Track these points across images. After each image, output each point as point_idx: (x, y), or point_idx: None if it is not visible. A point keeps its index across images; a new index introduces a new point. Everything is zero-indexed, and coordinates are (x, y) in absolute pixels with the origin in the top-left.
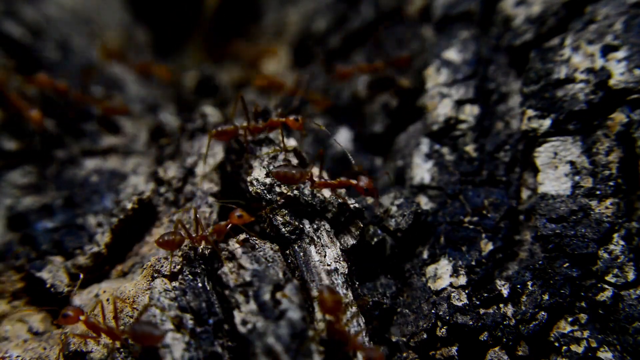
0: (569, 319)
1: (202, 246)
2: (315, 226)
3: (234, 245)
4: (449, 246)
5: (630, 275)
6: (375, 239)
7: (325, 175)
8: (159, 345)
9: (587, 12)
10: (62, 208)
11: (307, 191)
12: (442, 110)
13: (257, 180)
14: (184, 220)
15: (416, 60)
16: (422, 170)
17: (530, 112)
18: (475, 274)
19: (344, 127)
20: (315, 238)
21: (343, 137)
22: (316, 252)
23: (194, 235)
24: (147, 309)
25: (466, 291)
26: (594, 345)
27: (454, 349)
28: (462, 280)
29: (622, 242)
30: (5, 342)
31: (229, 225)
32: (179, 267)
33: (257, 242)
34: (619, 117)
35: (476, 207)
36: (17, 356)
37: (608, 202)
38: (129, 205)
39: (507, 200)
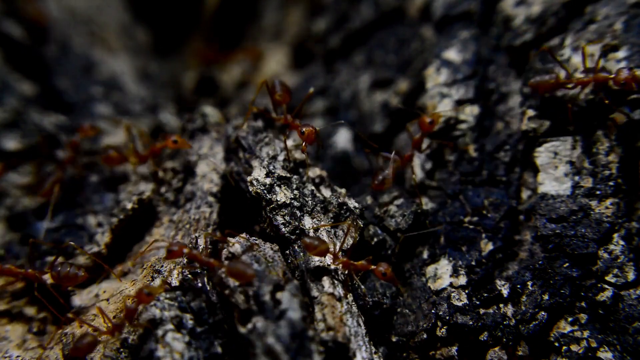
0: (569, 319)
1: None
2: (315, 226)
3: (234, 245)
4: (449, 246)
5: (630, 275)
6: (375, 239)
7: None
8: (252, 281)
9: (587, 12)
10: (62, 208)
11: (307, 191)
12: (442, 110)
13: (257, 180)
14: (184, 221)
15: (416, 60)
16: (422, 170)
17: (530, 112)
18: (475, 274)
19: (344, 127)
20: None
21: (343, 137)
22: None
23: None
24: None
25: (466, 291)
26: (594, 345)
27: (454, 349)
28: (462, 280)
29: (622, 242)
30: (5, 342)
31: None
32: (179, 268)
33: (257, 242)
34: (619, 117)
35: (476, 207)
36: (17, 356)
37: (608, 202)
38: (129, 205)
39: (507, 200)
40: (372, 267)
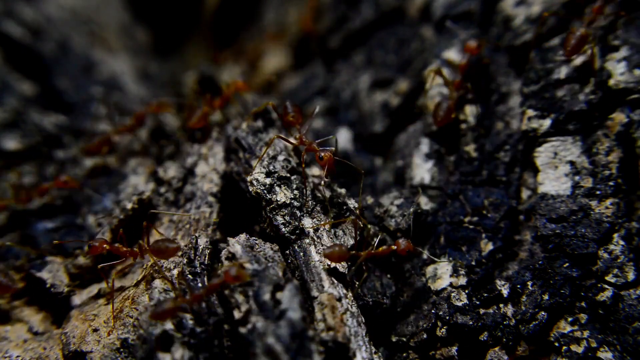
0: (569, 319)
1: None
2: (315, 226)
3: (234, 245)
4: (449, 246)
5: (630, 275)
6: (375, 239)
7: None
8: (179, 254)
9: (587, 12)
10: (62, 208)
11: (307, 191)
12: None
13: (257, 180)
14: (184, 221)
15: (416, 60)
16: (422, 170)
17: (530, 112)
18: (475, 274)
19: (344, 127)
20: (315, 238)
21: (343, 137)
22: (316, 252)
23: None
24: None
25: (466, 291)
26: (594, 345)
27: (454, 349)
28: (462, 280)
29: (622, 242)
30: (5, 342)
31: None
32: (180, 267)
33: (257, 242)
34: (619, 117)
35: (476, 207)
36: (17, 356)
37: (608, 202)
38: (129, 205)
39: (507, 200)
40: (394, 247)
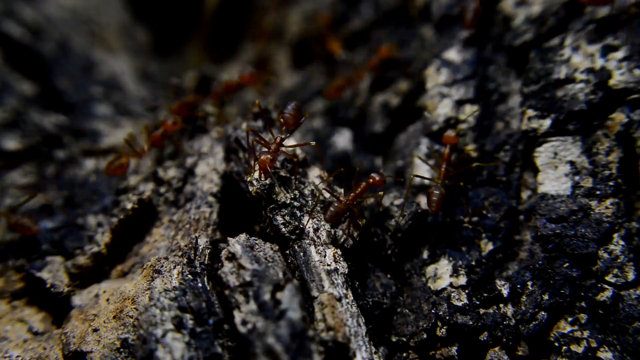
0: (569, 319)
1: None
2: (315, 226)
3: (234, 245)
4: (449, 246)
5: (630, 275)
6: (375, 239)
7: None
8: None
9: (587, 12)
10: (62, 208)
11: (307, 191)
12: (442, 110)
13: (257, 180)
14: (184, 221)
15: (416, 60)
16: (422, 171)
17: (530, 112)
18: (475, 274)
19: (344, 127)
20: (315, 238)
21: (343, 137)
22: (316, 252)
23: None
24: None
25: (466, 291)
26: (594, 345)
27: (454, 349)
28: (462, 280)
29: (622, 242)
30: (5, 342)
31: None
32: (179, 267)
33: (257, 242)
34: (619, 117)
35: (476, 207)
36: (17, 356)
37: (608, 202)
38: (129, 205)
39: (507, 200)
40: (370, 181)
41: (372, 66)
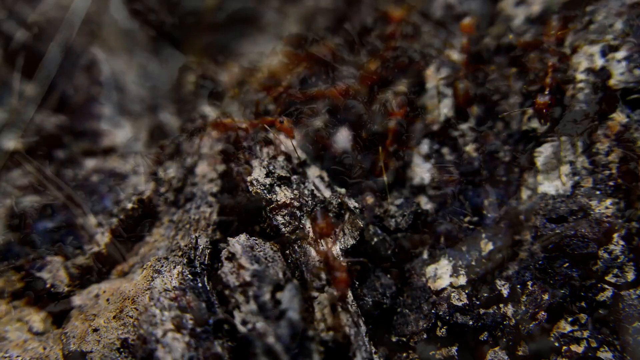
0: (569, 319)
1: None
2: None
3: (234, 245)
4: (449, 246)
5: (630, 275)
6: (375, 239)
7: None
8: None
9: (587, 12)
10: (62, 208)
11: (307, 191)
12: (442, 110)
13: (257, 180)
14: (184, 221)
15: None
16: (422, 170)
17: (531, 112)
18: (475, 274)
19: (344, 127)
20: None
21: (343, 137)
22: (316, 252)
23: None
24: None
25: (466, 291)
26: (594, 345)
27: (454, 349)
28: (462, 280)
29: (622, 242)
30: (5, 342)
31: None
32: (179, 267)
33: (257, 242)
34: (619, 117)
35: (476, 207)
36: (17, 356)
37: (608, 202)
38: (129, 205)
39: (507, 200)
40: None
41: None
